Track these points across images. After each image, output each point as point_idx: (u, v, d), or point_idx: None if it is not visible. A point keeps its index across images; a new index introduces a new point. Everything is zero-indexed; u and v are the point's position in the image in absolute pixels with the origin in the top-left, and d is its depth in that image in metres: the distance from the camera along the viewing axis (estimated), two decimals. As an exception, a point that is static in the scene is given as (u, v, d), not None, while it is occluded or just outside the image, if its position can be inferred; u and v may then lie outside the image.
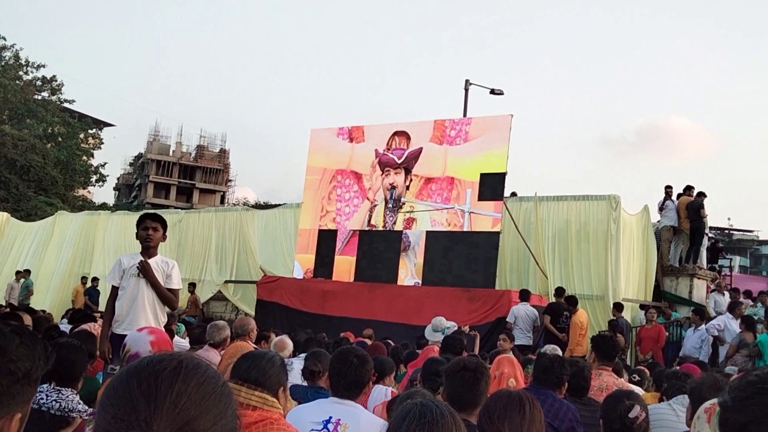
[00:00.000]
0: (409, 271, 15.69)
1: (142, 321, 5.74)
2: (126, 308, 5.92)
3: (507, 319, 12.71)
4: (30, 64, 40.69)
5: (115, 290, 6.04)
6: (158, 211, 24.19)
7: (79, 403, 3.43)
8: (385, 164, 16.49)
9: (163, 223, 6.11)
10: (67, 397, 3.39)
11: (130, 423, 1.13)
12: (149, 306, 5.96)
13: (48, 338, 6.42)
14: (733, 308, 12.46)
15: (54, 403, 3.34)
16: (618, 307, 13.63)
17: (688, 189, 16.25)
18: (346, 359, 3.79)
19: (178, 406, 1.15)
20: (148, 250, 6.03)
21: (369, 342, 9.36)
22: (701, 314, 13.17)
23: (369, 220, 16.55)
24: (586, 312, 13.34)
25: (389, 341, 9.51)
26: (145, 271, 5.92)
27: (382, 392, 5.19)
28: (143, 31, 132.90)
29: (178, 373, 1.19)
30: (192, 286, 18.60)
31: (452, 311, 11.48)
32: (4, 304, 16.73)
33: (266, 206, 27.51)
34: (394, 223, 16.25)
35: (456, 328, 9.10)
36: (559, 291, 13.55)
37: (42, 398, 3.33)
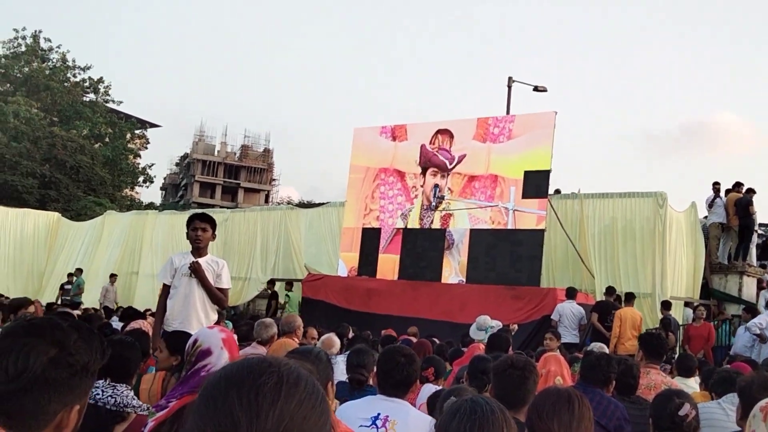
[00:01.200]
0: (453, 269, 15.68)
1: (193, 320, 5.84)
2: (178, 307, 6.00)
3: (552, 317, 12.62)
4: (77, 66, 41.42)
5: (166, 288, 6.14)
6: (205, 211, 24.50)
7: (134, 399, 3.52)
8: (435, 165, 16.47)
9: (213, 223, 6.17)
10: (122, 392, 3.48)
11: None
12: (200, 305, 6.03)
13: (101, 336, 6.59)
14: None
15: (109, 398, 3.43)
16: (666, 305, 13.44)
17: (737, 185, 15.97)
18: (393, 358, 3.81)
19: (281, 426, 1.11)
20: (199, 250, 6.10)
21: (414, 340, 9.38)
22: (753, 312, 12.92)
23: (407, 219, 16.58)
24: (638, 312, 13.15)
25: (435, 339, 9.51)
26: (196, 271, 5.99)
27: (431, 391, 5.21)
28: (187, 33, 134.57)
29: (280, 388, 1.15)
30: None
31: (497, 309, 11.44)
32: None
33: (310, 205, 27.70)
34: (432, 221, 16.25)
35: (500, 327, 9.08)
36: (610, 290, 13.45)
37: (98, 393, 3.42)
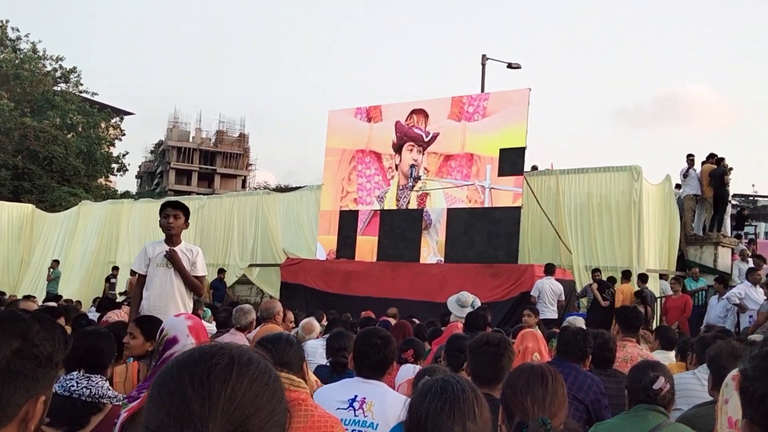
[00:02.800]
0: (432, 249, 15.72)
1: (172, 309, 5.77)
2: (155, 297, 5.94)
3: (531, 293, 12.71)
4: (48, 57, 40.89)
5: (141, 278, 6.09)
6: (180, 198, 24.19)
7: (109, 389, 3.49)
8: (411, 138, 16.45)
9: (185, 210, 6.12)
10: (97, 383, 3.45)
11: (184, 422, 1.10)
12: (178, 294, 5.99)
13: (77, 327, 6.53)
14: (750, 274, 12.35)
15: (84, 389, 3.39)
16: (643, 278, 13.62)
17: (711, 157, 16.10)
18: (369, 340, 3.81)
19: (233, 405, 1.12)
20: (172, 238, 6.05)
21: (393, 321, 9.40)
22: (724, 282, 13.09)
23: (383, 200, 16.59)
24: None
25: (414, 319, 9.54)
26: (173, 260, 5.95)
27: (410, 370, 5.22)
28: (158, 19, 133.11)
29: (231, 369, 1.15)
30: (221, 272, 18.59)
31: (475, 287, 11.45)
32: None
33: (287, 189, 27.59)
34: (408, 201, 16.26)
35: (479, 304, 9.12)
36: (595, 271, 14.07)
37: (72, 385, 3.38)
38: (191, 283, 6.06)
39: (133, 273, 19.03)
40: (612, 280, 13.81)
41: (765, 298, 11.35)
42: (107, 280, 19.94)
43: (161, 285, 5.99)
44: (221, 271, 18.54)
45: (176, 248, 6.03)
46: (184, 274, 6.00)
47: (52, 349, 1.57)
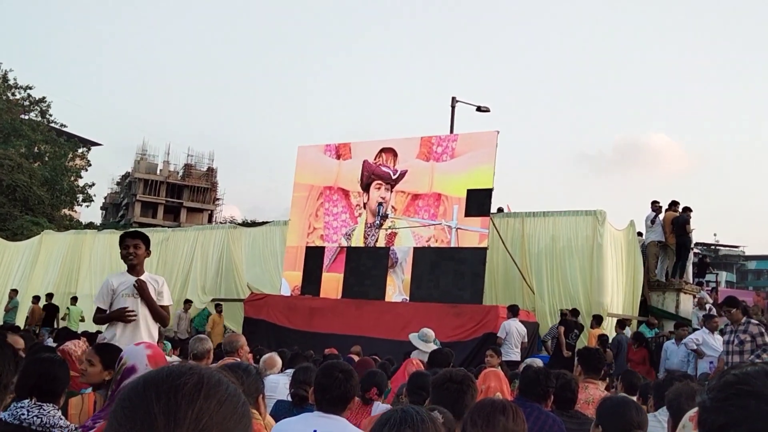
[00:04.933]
0: (397, 288, 15.69)
1: (139, 340, 5.69)
2: (123, 328, 5.86)
3: (498, 335, 12.66)
4: (18, 86, 40.59)
5: (102, 311, 5.98)
6: (144, 230, 23.98)
7: (61, 419, 3.39)
8: (378, 176, 16.49)
9: (145, 240, 6.05)
10: (48, 412, 3.35)
11: None
12: (143, 325, 5.91)
13: (32, 354, 6.37)
14: (707, 321, 12.52)
15: (35, 418, 3.30)
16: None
17: (674, 204, 16.32)
18: (331, 374, 3.77)
19: (199, 426, 1.07)
20: (135, 268, 5.97)
21: (356, 358, 9.31)
22: (678, 329, 13.30)
23: (350, 238, 16.58)
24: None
25: (376, 357, 9.47)
26: (142, 290, 5.87)
27: (383, 409, 5.17)
28: (129, 52, 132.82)
29: (199, 389, 1.11)
30: (188, 304, 18.26)
31: (439, 327, 11.48)
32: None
33: (253, 224, 27.46)
34: (377, 240, 16.26)
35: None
36: (575, 312, 13.99)
37: (23, 414, 3.29)
38: (158, 314, 6.00)
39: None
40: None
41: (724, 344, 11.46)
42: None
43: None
44: (187, 302, 18.24)
45: (142, 277, 5.94)
46: (151, 304, 5.93)
47: (1, 370, 1.52)
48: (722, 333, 11.18)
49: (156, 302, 5.96)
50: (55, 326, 18.05)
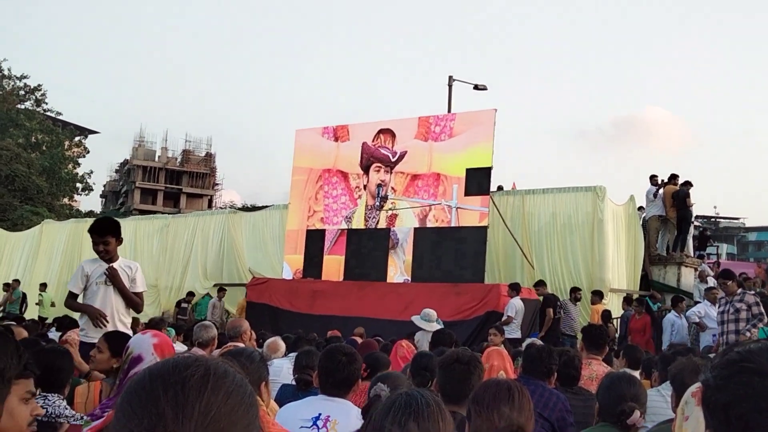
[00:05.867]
0: (398, 269, 15.70)
1: (110, 328, 5.69)
2: (86, 322, 5.87)
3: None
4: (12, 76, 40.45)
5: (74, 296, 6.00)
6: (145, 217, 23.90)
7: (66, 408, 3.41)
8: (378, 159, 16.46)
9: (114, 231, 5.99)
10: (54, 402, 3.37)
11: None
12: (115, 312, 5.93)
13: (35, 346, 6.39)
14: (708, 293, 12.53)
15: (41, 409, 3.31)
16: (599, 294, 13.79)
17: (674, 178, 16.27)
18: (334, 357, 3.77)
19: (207, 418, 1.07)
20: (109, 260, 5.99)
21: (360, 340, 9.33)
22: (678, 303, 13.30)
23: (351, 220, 16.57)
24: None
25: (379, 338, 9.49)
26: (113, 277, 5.89)
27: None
28: (124, 38, 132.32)
29: (207, 381, 1.11)
30: (222, 292, 17.98)
31: (441, 306, 11.47)
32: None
33: (253, 208, 27.44)
34: (377, 222, 16.25)
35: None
36: (539, 283, 13.86)
37: (28, 405, 3.30)
38: (131, 301, 6.02)
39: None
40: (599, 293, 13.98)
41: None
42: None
43: (101, 303, 5.90)
44: (221, 290, 17.97)
45: (115, 265, 5.96)
46: (124, 292, 5.95)
47: (4, 364, 1.51)
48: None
49: (128, 289, 5.97)
50: (23, 313, 18.13)
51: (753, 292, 9.23)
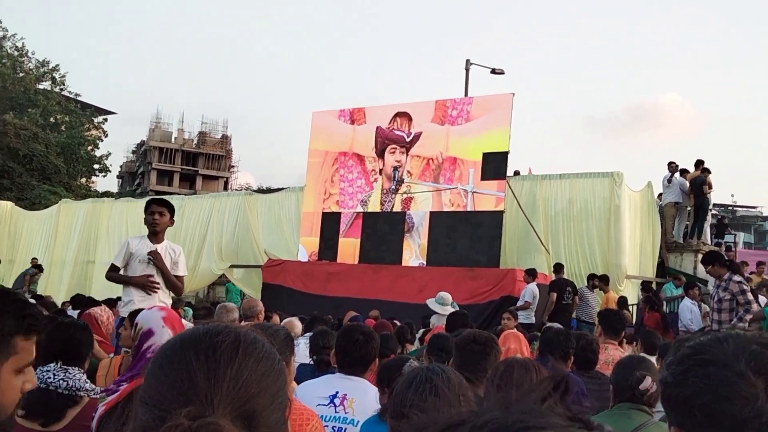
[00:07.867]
0: (414, 252, 15.70)
1: (159, 295, 5.83)
2: (134, 293, 5.93)
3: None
4: (31, 56, 40.68)
5: (116, 269, 6.07)
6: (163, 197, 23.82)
7: (87, 382, 3.43)
8: (393, 140, 16.43)
9: (170, 208, 6.15)
10: (74, 375, 3.40)
11: (189, 397, 1.05)
12: (160, 293, 6.01)
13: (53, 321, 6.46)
14: None
15: (61, 382, 3.35)
16: (604, 280, 13.66)
17: (698, 164, 16.14)
18: (351, 336, 3.79)
19: (239, 382, 1.09)
20: (156, 235, 6.06)
21: (373, 323, 9.35)
22: (691, 289, 13.20)
23: (366, 204, 16.56)
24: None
25: (395, 321, 9.51)
26: (156, 260, 5.96)
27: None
28: (141, 19, 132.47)
29: (237, 347, 1.12)
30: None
31: (456, 290, 11.47)
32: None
33: (269, 190, 27.48)
34: (393, 205, 16.24)
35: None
36: (558, 267, 13.67)
37: (49, 377, 3.34)
38: (172, 283, 6.08)
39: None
40: (606, 278, 13.80)
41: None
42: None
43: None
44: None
45: (159, 246, 6.04)
46: (165, 274, 6.01)
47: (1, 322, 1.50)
48: None
49: (170, 271, 6.03)
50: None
51: (738, 279, 8.80)
